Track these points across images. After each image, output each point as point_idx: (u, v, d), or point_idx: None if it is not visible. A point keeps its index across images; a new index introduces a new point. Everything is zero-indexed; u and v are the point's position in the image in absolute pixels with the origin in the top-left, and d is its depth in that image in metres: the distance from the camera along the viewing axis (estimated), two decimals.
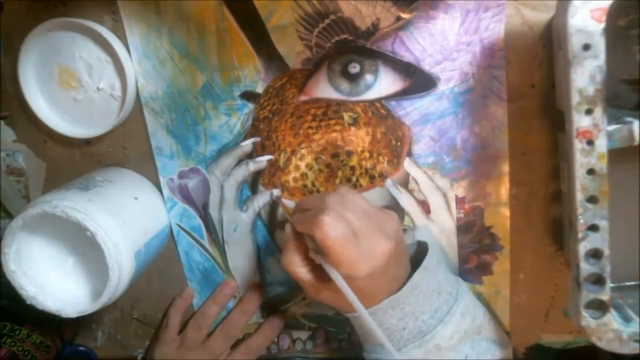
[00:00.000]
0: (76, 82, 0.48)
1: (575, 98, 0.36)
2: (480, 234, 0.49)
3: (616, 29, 0.40)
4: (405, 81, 0.46)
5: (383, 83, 0.46)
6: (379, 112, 0.47)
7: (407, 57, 0.45)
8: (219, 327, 0.53)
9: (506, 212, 0.48)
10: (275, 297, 0.54)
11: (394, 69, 0.45)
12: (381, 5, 0.44)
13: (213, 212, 0.51)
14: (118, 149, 0.51)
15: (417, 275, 0.41)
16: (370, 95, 0.46)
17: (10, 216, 0.54)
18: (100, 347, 0.58)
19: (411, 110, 0.47)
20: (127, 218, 0.44)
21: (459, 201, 0.48)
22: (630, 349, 0.38)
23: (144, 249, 0.45)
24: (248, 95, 0.48)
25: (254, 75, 0.47)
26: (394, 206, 0.49)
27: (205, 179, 0.50)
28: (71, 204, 0.41)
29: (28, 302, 0.43)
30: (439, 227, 0.49)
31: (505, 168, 0.47)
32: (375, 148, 0.48)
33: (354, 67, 0.45)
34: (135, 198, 0.47)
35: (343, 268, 0.37)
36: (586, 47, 0.35)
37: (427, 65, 0.45)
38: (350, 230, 0.37)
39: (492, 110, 0.46)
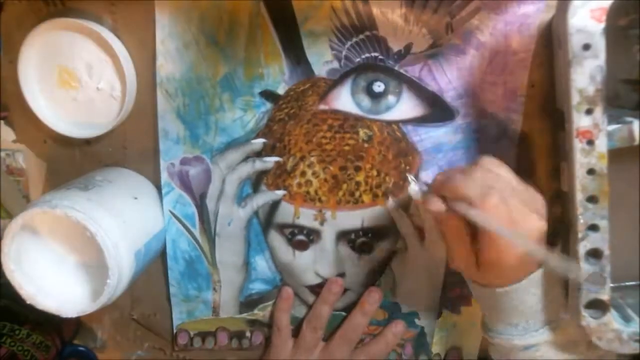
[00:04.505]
0: (76, 82, 0.48)
1: (575, 98, 0.36)
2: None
3: (616, 29, 0.40)
4: (426, 109, 0.46)
5: (404, 106, 0.46)
6: (395, 134, 0.47)
7: (432, 85, 0.46)
8: (339, 332, 0.52)
9: None
10: (256, 295, 0.54)
11: (417, 95, 0.46)
12: (416, 31, 0.44)
13: (210, 203, 0.51)
14: (118, 149, 0.51)
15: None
16: (389, 116, 0.47)
17: (10, 216, 0.54)
18: (99, 348, 0.58)
19: (426, 138, 0.47)
20: (127, 218, 0.44)
21: None
22: (630, 348, 0.38)
23: (143, 249, 0.45)
24: (268, 95, 0.48)
25: (278, 76, 0.47)
26: (392, 227, 0.50)
27: (208, 169, 0.50)
28: (71, 203, 0.41)
29: (28, 302, 0.43)
30: (431, 257, 0.50)
31: None
32: (384, 168, 0.48)
33: (379, 86, 0.46)
34: (135, 198, 0.47)
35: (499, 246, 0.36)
36: (586, 47, 0.35)
37: (449, 97, 0.46)
38: (506, 210, 0.36)
39: (500, 151, 0.46)
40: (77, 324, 0.57)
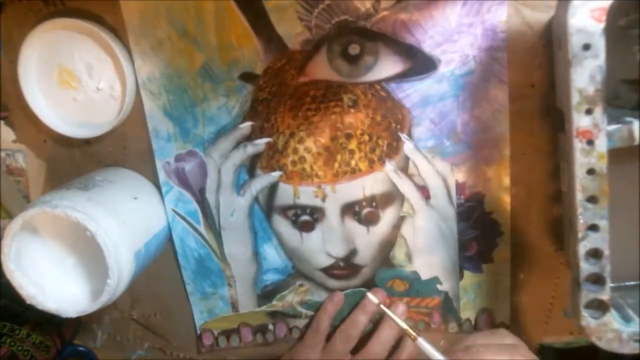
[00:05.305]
0: (76, 82, 0.48)
1: (575, 98, 0.36)
2: (480, 220, 0.49)
3: (616, 29, 0.40)
4: (406, 63, 0.45)
5: (383, 65, 0.45)
6: (379, 94, 0.47)
7: (408, 38, 0.45)
8: (339, 328, 0.52)
9: (507, 197, 0.48)
10: (271, 285, 0.53)
11: (395, 51, 0.45)
12: None
13: (210, 196, 0.51)
14: (118, 149, 0.51)
15: None
16: (370, 77, 0.46)
17: (10, 216, 0.54)
18: (99, 348, 0.58)
19: (411, 93, 0.46)
20: (127, 218, 0.44)
21: (459, 186, 0.48)
22: (630, 348, 0.38)
23: (143, 249, 0.45)
24: (247, 77, 0.47)
25: (253, 56, 0.47)
26: (394, 191, 0.49)
27: (203, 162, 0.50)
28: (71, 203, 0.41)
29: (28, 302, 0.43)
30: (439, 213, 0.49)
31: (507, 152, 0.47)
32: (375, 131, 0.47)
33: (354, 49, 0.45)
34: (135, 198, 0.47)
35: None
36: (586, 47, 0.35)
37: (427, 47, 0.45)
38: None
39: (493, 93, 0.45)
40: (77, 324, 0.58)
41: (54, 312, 0.43)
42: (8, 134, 0.52)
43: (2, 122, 0.52)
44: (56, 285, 0.45)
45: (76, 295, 0.45)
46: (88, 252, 0.46)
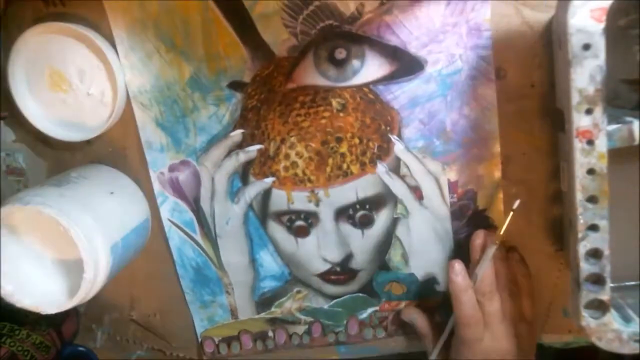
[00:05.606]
0: (66, 85, 0.47)
1: (575, 98, 0.36)
2: (474, 218, 0.49)
3: (616, 29, 0.40)
4: (392, 65, 0.45)
5: (370, 68, 0.46)
6: (367, 97, 0.47)
7: (393, 40, 0.45)
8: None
9: (499, 194, 0.48)
10: (269, 292, 0.54)
11: (381, 53, 0.45)
12: None
13: (205, 205, 0.51)
14: (118, 150, 0.51)
15: None
16: (358, 80, 0.46)
17: None
18: (99, 348, 0.58)
19: (399, 94, 0.46)
20: (102, 212, 0.44)
21: (452, 185, 0.48)
22: (630, 348, 0.38)
23: (121, 243, 0.45)
24: (236, 85, 0.48)
25: (241, 65, 0.47)
26: (387, 193, 0.49)
27: (196, 172, 0.50)
28: (43, 199, 0.41)
29: (6, 300, 0.43)
30: (433, 213, 0.49)
31: (497, 149, 0.47)
32: (365, 133, 0.47)
33: (340, 53, 0.45)
34: (111, 193, 0.47)
35: None
36: (586, 47, 0.35)
37: (413, 48, 0.45)
38: None
39: (480, 91, 0.46)
40: (77, 324, 0.57)
41: (32, 309, 0.43)
42: (8, 134, 0.52)
43: (2, 122, 0.52)
44: (35, 283, 0.45)
45: (55, 293, 0.45)
46: (65, 249, 0.46)
